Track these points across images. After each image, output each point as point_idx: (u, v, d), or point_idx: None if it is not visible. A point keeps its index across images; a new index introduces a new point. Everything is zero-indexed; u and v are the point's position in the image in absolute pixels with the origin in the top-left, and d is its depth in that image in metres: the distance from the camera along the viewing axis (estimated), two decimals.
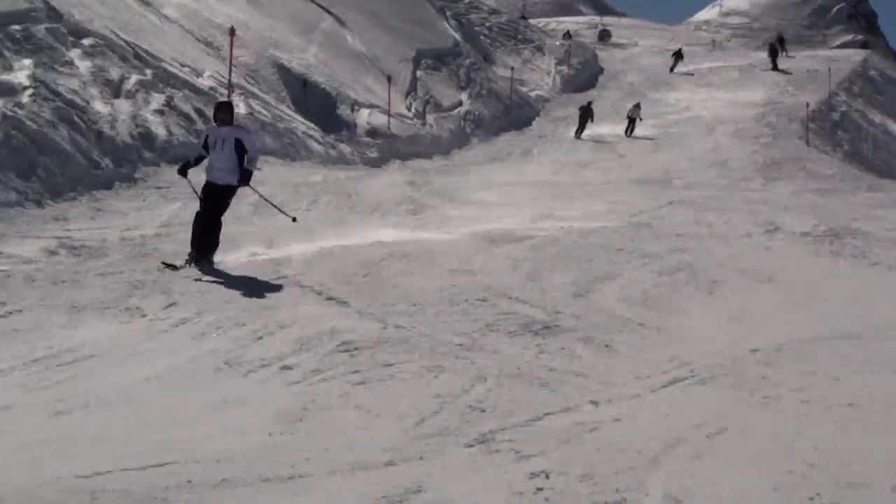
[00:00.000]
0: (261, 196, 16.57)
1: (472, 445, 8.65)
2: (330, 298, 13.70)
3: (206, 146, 15.66)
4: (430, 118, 41.32)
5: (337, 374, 10.63)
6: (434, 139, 40.00)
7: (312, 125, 32.47)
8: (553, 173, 33.61)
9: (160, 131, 23.38)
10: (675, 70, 67.19)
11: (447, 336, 12.14)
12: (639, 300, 14.62)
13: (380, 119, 37.41)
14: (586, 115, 44.75)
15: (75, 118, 20.58)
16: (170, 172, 21.27)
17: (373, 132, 36.97)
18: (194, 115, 25.68)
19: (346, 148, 32.97)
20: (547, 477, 7.87)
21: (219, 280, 14.59)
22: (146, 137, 22.71)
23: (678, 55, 69.30)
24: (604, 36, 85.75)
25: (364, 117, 36.76)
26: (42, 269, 14.35)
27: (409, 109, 40.71)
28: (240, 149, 15.27)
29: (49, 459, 8.02)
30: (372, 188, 25.49)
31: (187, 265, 14.70)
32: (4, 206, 16.60)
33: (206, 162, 15.78)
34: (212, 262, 15.07)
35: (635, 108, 47.53)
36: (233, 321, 12.36)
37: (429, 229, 19.98)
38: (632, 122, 46.25)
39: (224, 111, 15.88)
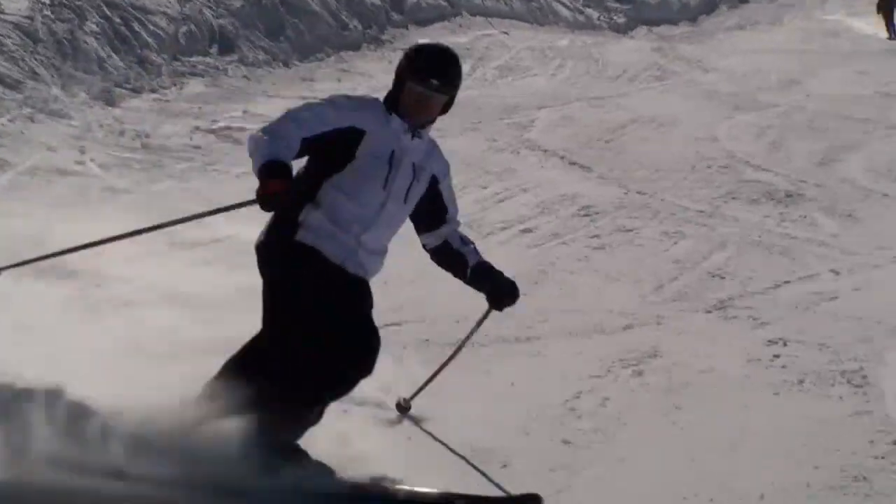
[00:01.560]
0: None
1: (710, 311, 8.84)
2: (572, 163, 13.85)
3: (328, 150, 5.58)
4: None
5: (576, 238, 10.80)
6: (682, 5, 39.57)
7: None
8: (802, 41, 33.26)
9: None
10: None
11: (688, 203, 12.17)
12: (884, 171, 14.21)
13: None
14: (890, 4, 37.12)
15: None
16: (417, 35, 21.78)
17: None
18: None
19: (593, 13, 33.00)
20: (784, 344, 7.96)
21: (458, 144, 14.36)
22: (394, 1, 23.05)
23: None
24: None
25: None
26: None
27: None
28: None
29: None
30: (618, 54, 25.51)
31: None
32: (252, 66, 17.26)
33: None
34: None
35: None
36: (475, 183, 12.50)
37: (674, 95, 19.94)
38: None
39: (451, 80, 5.75)
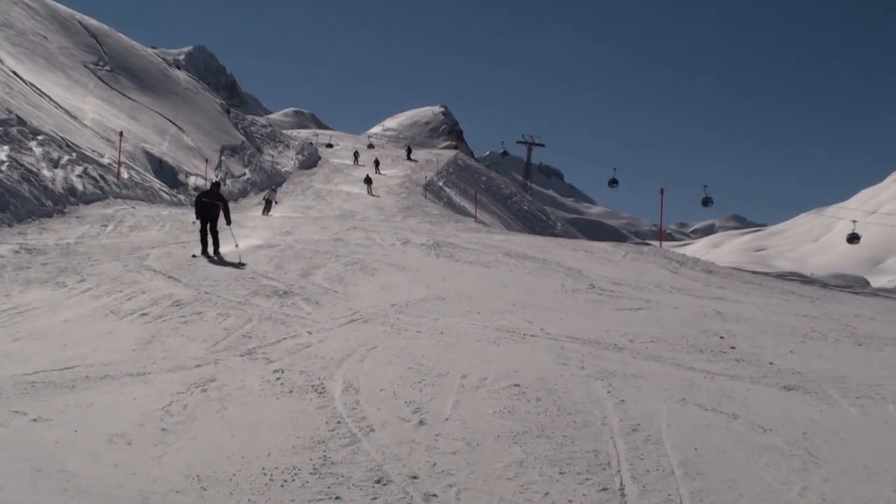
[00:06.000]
0: None
1: (243, 355, 8.54)
2: (170, 277, 12.92)
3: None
4: (228, 181, 40.20)
5: (172, 317, 10.23)
6: (229, 193, 38.73)
7: (163, 184, 31.43)
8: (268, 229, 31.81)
9: (79, 186, 22.04)
10: (358, 160, 65.22)
11: (232, 297, 11.71)
12: (335, 278, 14.23)
13: (201, 181, 36.07)
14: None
15: (31, 179, 19.40)
16: (84, 210, 20.43)
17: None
18: (98, 178, 24.13)
19: (182, 196, 31.80)
20: (283, 372, 7.97)
21: (105, 268, 13.50)
22: (71, 190, 21.37)
23: (356, 154, 67.18)
24: (328, 143, 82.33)
25: (192, 181, 35.51)
26: (10, 260, 13.29)
27: (215, 175, 39.63)
28: None
29: (7, 365, 7.75)
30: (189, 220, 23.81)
31: None
32: None
33: None
34: None
35: (272, 191, 39.67)
36: (115, 289, 11.66)
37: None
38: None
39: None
